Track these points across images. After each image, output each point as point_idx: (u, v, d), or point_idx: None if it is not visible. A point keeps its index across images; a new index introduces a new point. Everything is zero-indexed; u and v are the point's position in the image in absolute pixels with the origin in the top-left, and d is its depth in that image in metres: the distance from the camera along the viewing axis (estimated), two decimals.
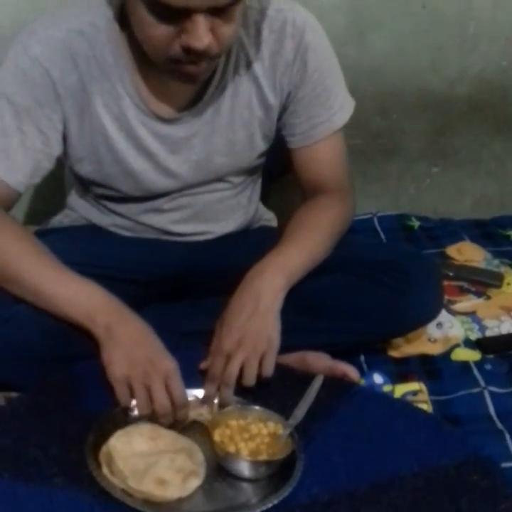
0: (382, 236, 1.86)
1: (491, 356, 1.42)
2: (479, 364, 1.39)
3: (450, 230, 1.90)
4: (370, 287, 1.27)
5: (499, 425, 1.23)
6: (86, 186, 1.33)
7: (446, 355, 1.42)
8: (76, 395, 1.10)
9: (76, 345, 1.11)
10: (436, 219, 1.97)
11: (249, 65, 1.21)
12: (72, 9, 1.16)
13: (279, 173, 1.53)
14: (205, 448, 1.03)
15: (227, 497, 0.98)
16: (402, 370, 1.36)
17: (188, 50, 1.02)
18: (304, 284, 1.22)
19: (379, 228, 1.89)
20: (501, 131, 1.99)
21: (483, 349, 1.44)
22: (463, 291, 1.63)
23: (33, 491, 0.94)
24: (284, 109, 1.27)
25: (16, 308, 1.13)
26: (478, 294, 1.62)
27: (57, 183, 1.40)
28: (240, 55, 1.20)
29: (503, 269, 1.71)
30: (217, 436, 1.03)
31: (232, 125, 1.25)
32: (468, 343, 1.46)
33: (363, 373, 1.31)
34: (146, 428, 1.03)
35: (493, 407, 1.28)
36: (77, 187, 1.36)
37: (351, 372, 1.25)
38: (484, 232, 1.92)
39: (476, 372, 1.37)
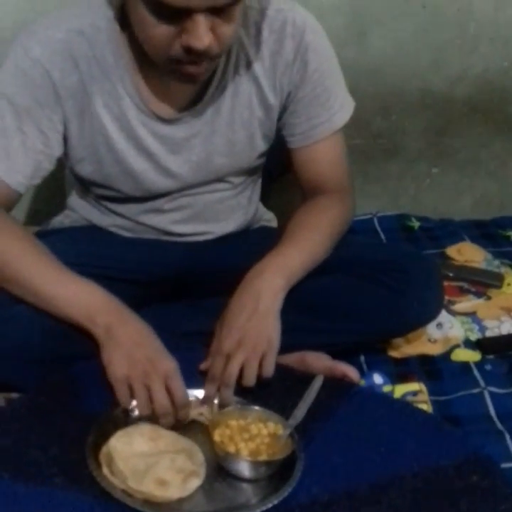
0: (382, 236, 1.86)
1: (491, 357, 1.42)
2: (479, 364, 1.39)
3: (450, 231, 1.90)
4: (370, 287, 1.27)
5: (499, 426, 1.23)
6: (86, 187, 1.33)
7: (446, 355, 1.42)
8: (76, 395, 1.10)
9: (76, 345, 1.11)
10: (436, 219, 1.97)
11: (249, 65, 1.21)
12: (72, 10, 1.16)
13: (279, 173, 1.53)
14: (205, 448, 1.03)
15: (227, 497, 0.98)
16: (402, 370, 1.36)
17: (188, 50, 1.02)
18: (303, 284, 1.22)
19: (379, 228, 1.89)
20: (501, 131, 1.99)
21: (483, 349, 1.44)
22: (463, 291, 1.63)
23: (34, 492, 0.94)
24: (284, 109, 1.27)
25: (16, 308, 1.13)
26: (479, 295, 1.62)
27: (58, 183, 1.40)
28: (240, 55, 1.20)
29: (503, 270, 1.72)
30: (217, 437, 1.03)
31: (232, 125, 1.25)
32: (469, 344, 1.46)
33: (362, 373, 1.31)
34: (146, 428, 1.03)
35: (493, 407, 1.28)
36: (78, 188, 1.36)
37: (351, 372, 1.25)
38: (484, 232, 1.92)
39: (476, 372, 1.37)
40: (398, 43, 1.81)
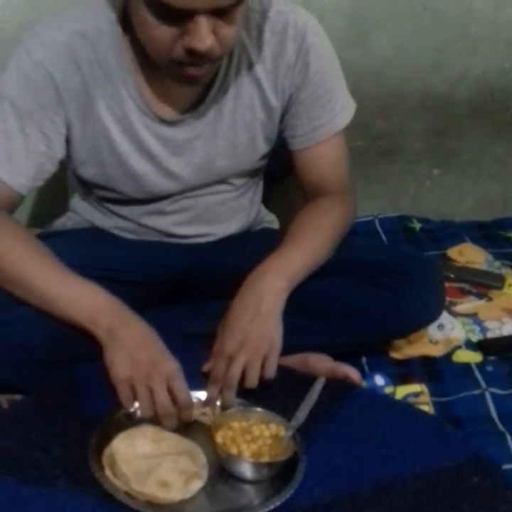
0: (384, 238, 1.87)
1: (492, 358, 1.42)
2: (480, 366, 1.39)
3: (451, 232, 1.90)
4: (372, 289, 1.28)
5: (500, 427, 1.23)
6: (89, 189, 1.33)
7: (447, 356, 1.42)
8: (79, 397, 1.10)
9: (79, 347, 1.11)
10: (437, 221, 1.97)
11: (251, 67, 1.21)
12: (74, 12, 1.16)
13: (280, 175, 1.53)
14: (207, 450, 1.02)
15: (230, 499, 0.98)
16: (404, 371, 1.36)
17: (190, 52, 1.02)
18: (305, 286, 1.22)
19: (380, 230, 1.89)
20: (502, 133, 1.99)
21: (485, 351, 1.44)
22: (464, 292, 1.63)
23: (36, 493, 0.94)
24: (285, 111, 1.27)
25: (18, 310, 1.13)
26: (480, 296, 1.62)
27: (60, 186, 1.40)
28: (241, 57, 1.20)
29: (504, 271, 1.72)
30: (219, 438, 1.03)
31: (234, 127, 1.25)
32: (470, 345, 1.46)
33: (364, 375, 1.31)
34: (148, 430, 1.03)
35: (494, 408, 1.28)
36: (80, 190, 1.37)
37: (353, 373, 1.25)
38: (485, 233, 1.92)
39: (477, 373, 1.37)
40: (399, 44, 1.82)
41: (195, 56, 1.03)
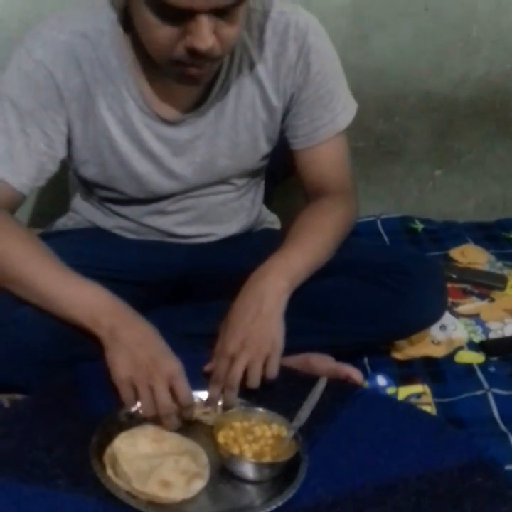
0: (386, 238, 1.87)
1: (494, 358, 1.42)
2: (483, 366, 1.39)
3: (453, 233, 1.90)
4: (373, 289, 1.27)
5: (503, 427, 1.23)
6: (90, 189, 1.33)
7: (449, 357, 1.42)
8: (80, 396, 1.10)
9: (80, 347, 1.11)
10: (439, 221, 1.97)
11: (252, 66, 1.21)
12: (75, 12, 1.17)
13: (282, 175, 1.53)
14: (209, 450, 1.02)
15: (231, 499, 0.98)
16: (406, 372, 1.36)
17: (191, 52, 1.03)
18: (307, 286, 1.21)
19: (382, 231, 1.89)
20: (505, 133, 1.99)
21: (487, 351, 1.43)
22: (466, 293, 1.63)
23: (38, 493, 0.94)
24: (287, 111, 1.28)
25: (20, 310, 1.13)
26: (482, 297, 1.62)
27: (61, 186, 1.40)
28: (243, 57, 1.20)
29: (506, 272, 1.72)
30: (221, 438, 1.03)
31: (236, 127, 1.25)
32: (472, 346, 1.45)
33: (366, 375, 1.31)
34: (150, 430, 1.03)
35: (496, 409, 1.28)
36: (81, 189, 1.37)
37: (355, 374, 1.25)
38: (488, 234, 1.92)
39: (479, 374, 1.37)
40: (400, 45, 1.82)
41: (196, 56, 1.04)
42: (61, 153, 1.21)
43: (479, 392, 1.32)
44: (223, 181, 1.32)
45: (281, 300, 1.16)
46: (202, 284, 1.33)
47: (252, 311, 1.14)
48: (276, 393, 1.13)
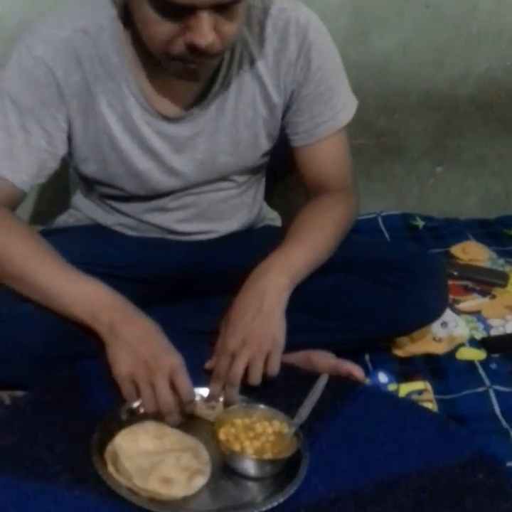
0: (387, 236, 1.87)
1: (496, 355, 1.42)
2: (484, 363, 1.39)
3: (455, 230, 1.90)
4: (374, 286, 1.27)
5: (504, 424, 1.23)
6: (90, 186, 1.33)
7: (451, 354, 1.42)
8: (81, 393, 1.10)
9: (81, 343, 1.11)
10: (440, 218, 1.97)
11: (252, 63, 1.21)
12: (75, 8, 1.16)
13: (283, 173, 1.53)
14: (210, 447, 1.02)
15: (233, 496, 0.98)
16: (407, 369, 1.36)
17: (191, 48, 1.02)
18: (308, 283, 1.21)
19: (383, 228, 1.89)
20: (505, 130, 1.98)
21: (488, 348, 1.43)
22: (467, 290, 1.63)
23: (39, 490, 0.94)
24: (287, 108, 1.27)
25: (21, 306, 1.13)
26: (483, 294, 1.62)
27: (62, 183, 1.40)
28: (243, 54, 1.20)
29: (508, 269, 1.72)
30: (222, 435, 1.03)
31: (236, 124, 1.25)
32: (474, 343, 1.45)
33: (367, 372, 1.31)
34: (151, 426, 1.03)
35: (498, 406, 1.28)
36: (82, 186, 1.37)
37: (356, 371, 1.25)
38: (489, 231, 1.92)
39: (481, 371, 1.37)
40: (401, 42, 1.82)
41: (196, 52, 1.03)
42: (61, 150, 1.21)
43: (481, 389, 1.32)
44: (224, 178, 1.32)
45: (282, 297, 1.16)
46: (202, 281, 1.33)
47: (252, 309, 1.14)
48: (277, 390, 1.13)
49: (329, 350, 1.28)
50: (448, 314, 1.46)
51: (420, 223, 1.93)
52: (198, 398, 1.10)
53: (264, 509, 0.95)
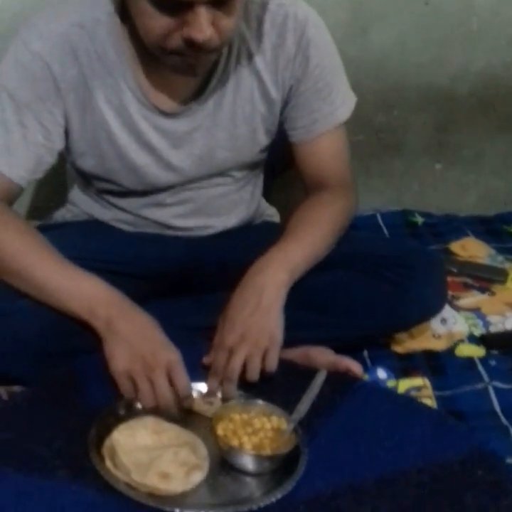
0: (386, 232, 1.87)
1: (495, 352, 1.42)
2: (483, 360, 1.39)
3: (454, 226, 1.90)
4: (373, 282, 1.27)
5: (504, 421, 1.23)
6: (88, 181, 1.33)
7: (450, 350, 1.41)
8: (79, 389, 1.10)
9: (79, 339, 1.11)
10: (440, 215, 1.97)
11: (250, 58, 1.21)
12: (72, 3, 1.16)
13: (281, 168, 1.53)
14: (208, 442, 1.02)
15: (231, 491, 0.97)
16: (406, 365, 1.36)
17: (189, 43, 1.02)
18: (306, 279, 1.21)
19: (382, 224, 1.89)
20: (505, 127, 1.99)
21: (488, 345, 1.43)
22: (467, 287, 1.63)
23: (37, 485, 0.94)
24: (285, 104, 1.27)
25: (18, 302, 1.13)
26: (482, 290, 1.62)
27: (59, 178, 1.40)
28: (241, 49, 1.20)
29: (507, 266, 1.71)
30: (220, 431, 1.02)
31: (234, 119, 1.25)
32: (473, 339, 1.45)
33: (366, 368, 1.31)
34: (149, 422, 1.03)
35: (497, 402, 1.28)
36: (79, 182, 1.36)
37: (355, 367, 1.25)
38: (488, 228, 1.92)
39: (480, 367, 1.37)
40: (400, 38, 1.82)
41: (194, 47, 1.03)
42: (58, 145, 1.21)
43: (480, 386, 1.32)
44: (222, 174, 1.32)
45: (280, 293, 1.16)
46: (200, 277, 1.32)
47: (251, 304, 1.14)
48: (275, 386, 1.13)
49: (328, 347, 1.28)
50: (447, 311, 1.46)
51: (419, 220, 1.93)
52: (196, 394, 1.10)
53: (262, 505, 0.94)
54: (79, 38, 1.13)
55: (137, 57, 1.16)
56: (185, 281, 1.33)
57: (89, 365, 1.11)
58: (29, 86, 1.14)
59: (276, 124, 1.30)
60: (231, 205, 1.37)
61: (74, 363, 1.13)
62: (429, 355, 1.40)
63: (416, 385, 1.29)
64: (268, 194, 1.50)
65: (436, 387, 1.30)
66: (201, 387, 1.11)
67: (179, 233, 1.36)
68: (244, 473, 1.00)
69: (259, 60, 1.21)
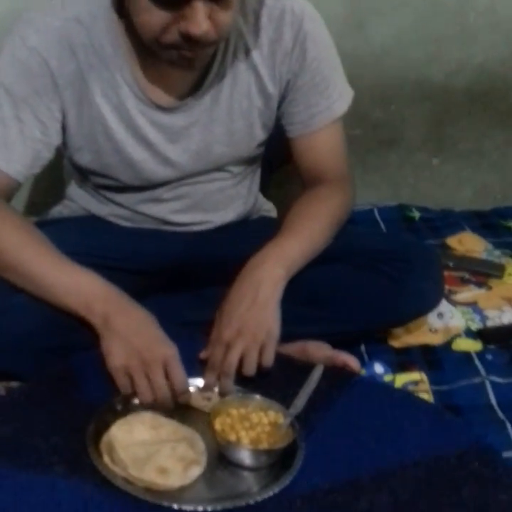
0: (383, 227, 1.87)
1: (492, 346, 1.42)
2: (480, 354, 1.39)
3: (451, 221, 1.90)
4: (370, 277, 1.27)
5: (500, 415, 1.23)
6: (85, 176, 1.32)
7: (447, 345, 1.42)
8: (76, 384, 1.10)
9: (76, 335, 1.11)
10: (436, 210, 1.98)
11: (247, 53, 1.21)
12: None
13: (278, 163, 1.52)
14: (206, 437, 1.02)
15: (228, 485, 0.98)
16: (403, 360, 1.36)
17: (186, 37, 1.02)
18: (303, 273, 1.21)
19: (379, 219, 1.89)
20: (502, 121, 1.99)
21: (485, 339, 1.44)
22: (463, 281, 1.63)
23: (34, 480, 0.94)
24: (282, 98, 1.27)
25: (15, 298, 1.13)
26: (479, 285, 1.62)
27: (56, 174, 1.40)
28: (238, 44, 1.20)
29: (503, 260, 1.72)
30: (218, 425, 1.02)
31: (231, 114, 1.24)
32: (469, 334, 1.46)
33: (363, 363, 1.31)
34: (147, 417, 1.03)
35: (494, 397, 1.28)
36: (76, 177, 1.36)
37: (352, 361, 1.25)
38: (485, 222, 1.92)
39: (477, 362, 1.37)
40: (397, 33, 1.81)
41: (191, 41, 1.03)
42: (56, 140, 1.20)
43: (477, 380, 1.32)
44: (219, 169, 1.32)
45: (277, 288, 1.16)
46: (198, 272, 1.32)
47: (247, 299, 1.14)
48: (272, 381, 1.13)
49: (325, 341, 1.28)
50: (444, 305, 1.46)
51: (416, 214, 1.93)
52: (193, 389, 1.10)
53: (259, 499, 0.94)
54: (76, 32, 1.13)
55: (134, 51, 1.16)
56: (183, 277, 1.33)
57: (86, 360, 1.11)
58: (26, 81, 1.14)
59: (274, 119, 1.29)
60: (228, 200, 1.37)
61: (71, 359, 1.13)
62: (426, 350, 1.40)
63: (413, 380, 1.30)
64: (265, 189, 1.50)
65: (433, 381, 1.30)
66: (199, 382, 1.11)
67: (176, 228, 1.36)
68: (242, 467, 1.00)
69: (256, 55, 1.21)
